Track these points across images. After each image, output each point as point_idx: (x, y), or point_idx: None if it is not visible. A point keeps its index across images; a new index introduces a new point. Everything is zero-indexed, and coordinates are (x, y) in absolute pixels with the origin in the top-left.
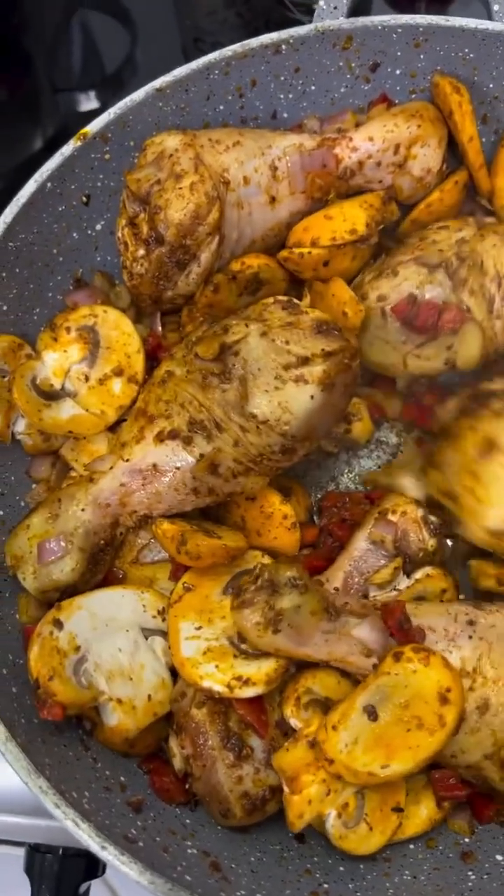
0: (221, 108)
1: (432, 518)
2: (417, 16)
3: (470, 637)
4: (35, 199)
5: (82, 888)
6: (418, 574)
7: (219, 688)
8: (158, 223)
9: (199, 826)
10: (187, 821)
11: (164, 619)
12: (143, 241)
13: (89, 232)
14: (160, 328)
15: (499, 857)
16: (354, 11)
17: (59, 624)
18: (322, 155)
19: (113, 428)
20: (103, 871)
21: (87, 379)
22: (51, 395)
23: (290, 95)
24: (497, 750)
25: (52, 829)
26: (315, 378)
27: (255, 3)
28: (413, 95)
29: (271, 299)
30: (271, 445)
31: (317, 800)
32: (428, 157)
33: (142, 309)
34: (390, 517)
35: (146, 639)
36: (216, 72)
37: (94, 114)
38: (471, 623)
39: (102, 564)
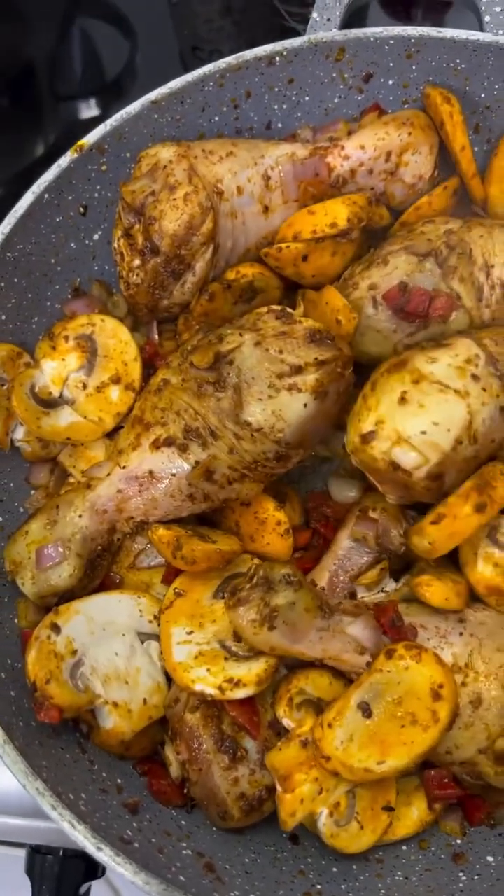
0: (216, 119)
1: (412, 513)
2: (409, 27)
3: (461, 634)
4: (32, 211)
5: (82, 889)
6: (405, 578)
7: (210, 690)
8: (153, 234)
9: (194, 827)
10: (183, 822)
11: (159, 624)
12: (139, 251)
13: (87, 242)
14: (157, 336)
15: (489, 859)
16: (348, 23)
17: (56, 628)
18: (314, 164)
19: (111, 435)
20: (103, 872)
21: (84, 387)
22: (49, 403)
23: (285, 106)
24: (491, 744)
25: (52, 830)
26: (308, 387)
27: (252, 12)
28: (406, 105)
29: (265, 309)
30: (266, 452)
31: (308, 798)
32: (419, 164)
33: (139, 318)
34: (371, 514)
35: (142, 643)
36: (211, 84)
37: (95, 121)
38: (461, 621)
39: (100, 570)
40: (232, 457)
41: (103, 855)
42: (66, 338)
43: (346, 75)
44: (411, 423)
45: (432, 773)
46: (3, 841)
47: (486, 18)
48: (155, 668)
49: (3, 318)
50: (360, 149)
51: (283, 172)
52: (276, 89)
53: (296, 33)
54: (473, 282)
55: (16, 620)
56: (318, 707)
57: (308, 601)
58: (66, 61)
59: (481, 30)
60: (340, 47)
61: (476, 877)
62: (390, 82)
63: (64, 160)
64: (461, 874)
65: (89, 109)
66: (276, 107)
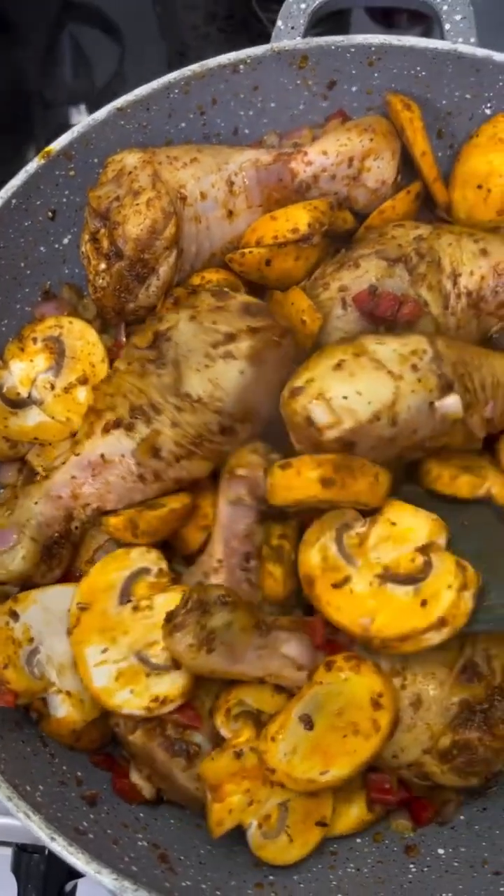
0: (183, 125)
1: (273, 455)
2: (370, 35)
3: None
4: (0, 215)
5: (68, 886)
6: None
7: (139, 712)
8: (117, 238)
9: (152, 819)
10: (141, 815)
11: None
12: (104, 255)
13: (56, 246)
14: (124, 338)
15: (440, 851)
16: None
17: (14, 615)
18: (277, 169)
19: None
20: None
21: (52, 387)
22: (17, 403)
23: (251, 112)
24: (434, 743)
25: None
26: (242, 353)
27: (236, 19)
28: (370, 112)
29: (202, 288)
30: (208, 424)
31: (238, 809)
32: (382, 169)
33: (107, 320)
34: (238, 473)
35: None
36: (176, 91)
37: None
38: None
39: (58, 559)
40: (175, 430)
41: (56, 845)
42: (35, 339)
43: (310, 82)
44: (337, 386)
45: (374, 777)
46: None
47: (447, 27)
48: None
49: None
50: (323, 154)
51: (247, 178)
52: (242, 96)
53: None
54: (441, 290)
55: None
56: (256, 719)
57: (244, 620)
58: (56, 68)
59: (441, 38)
60: (303, 55)
61: (426, 868)
62: (353, 89)
63: (31, 166)
64: (412, 866)
65: (79, 115)
66: (242, 113)
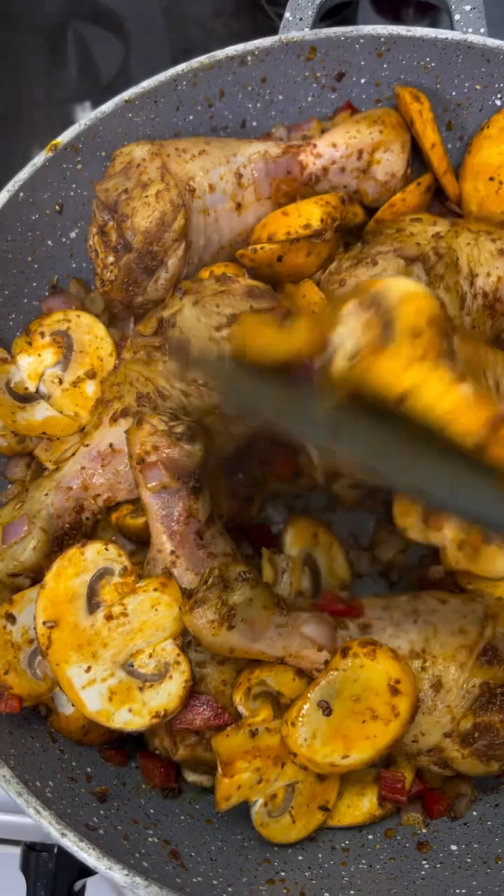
0: (191, 118)
1: (177, 430)
2: (379, 26)
3: (415, 622)
4: (7, 209)
5: (77, 885)
6: None
7: (144, 728)
8: (126, 230)
9: (162, 816)
10: (151, 811)
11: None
12: (113, 248)
13: (63, 240)
14: (132, 332)
15: (453, 848)
16: (341, 21)
17: (11, 618)
18: (286, 162)
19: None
20: None
21: (60, 382)
22: (25, 398)
23: (259, 105)
24: (455, 726)
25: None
26: None
27: (242, 14)
28: (379, 104)
29: (206, 275)
30: (215, 408)
31: (246, 786)
32: (391, 161)
33: (115, 314)
34: (149, 460)
35: None
36: (184, 83)
37: None
38: (414, 610)
39: None
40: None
41: (67, 841)
42: (42, 334)
43: (318, 74)
44: None
45: (387, 774)
46: None
47: (457, 17)
48: None
49: None
50: (332, 147)
51: (256, 170)
52: (250, 88)
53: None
54: (458, 290)
55: None
56: (275, 700)
57: (265, 598)
58: (61, 65)
59: (451, 28)
60: (312, 46)
61: (438, 865)
62: (362, 81)
63: (38, 159)
64: (424, 862)
65: (84, 113)
66: (249, 105)
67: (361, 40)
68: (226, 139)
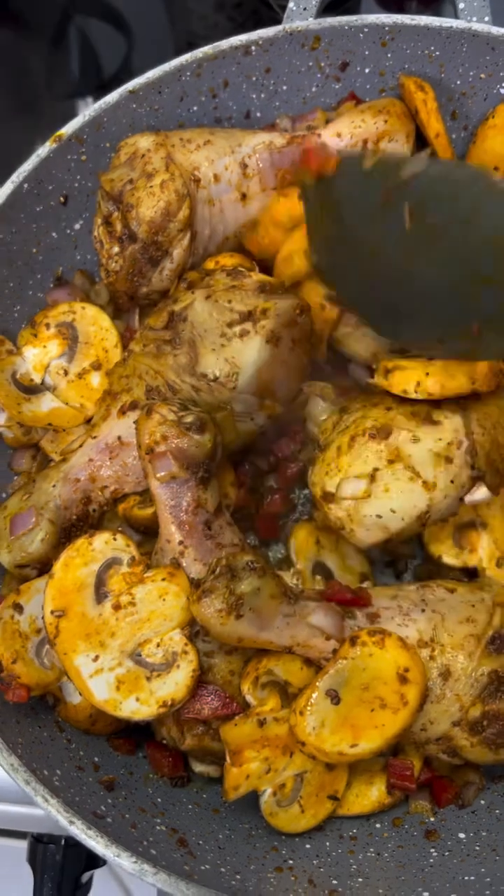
0: (195, 108)
1: (186, 419)
2: (383, 15)
3: (423, 611)
4: (12, 201)
5: (84, 877)
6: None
7: (152, 717)
8: (131, 221)
9: (169, 805)
10: (158, 800)
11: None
12: (118, 238)
13: (68, 231)
14: (137, 324)
15: (461, 836)
16: (344, 12)
17: (19, 608)
18: (291, 152)
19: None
20: (105, 861)
21: (66, 373)
22: (31, 390)
23: (263, 95)
24: (464, 715)
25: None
26: (259, 331)
27: (246, 6)
28: (383, 93)
29: (217, 269)
30: (226, 404)
31: (255, 776)
32: (396, 151)
33: (120, 305)
34: (157, 450)
35: None
36: (188, 73)
37: None
38: (422, 599)
39: None
40: None
41: (75, 829)
42: (48, 325)
43: (322, 64)
44: (371, 506)
45: (394, 762)
46: (6, 831)
47: (461, 6)
48: None
49: None
50: (337, 136)
51: (261, 161)
52: (254, 78)
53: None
54: None
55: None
56: (283, 690)
57: (273, 587)
58: (64, 60)
59: (455, 17)
60: (316, 36)
61: (447, 853)
62: (367, 70)
63: (43, 150)
64: (432, 850)
65: (87, 108)
66: (254, 96)
67: (366, 29)
68: (230, 130)
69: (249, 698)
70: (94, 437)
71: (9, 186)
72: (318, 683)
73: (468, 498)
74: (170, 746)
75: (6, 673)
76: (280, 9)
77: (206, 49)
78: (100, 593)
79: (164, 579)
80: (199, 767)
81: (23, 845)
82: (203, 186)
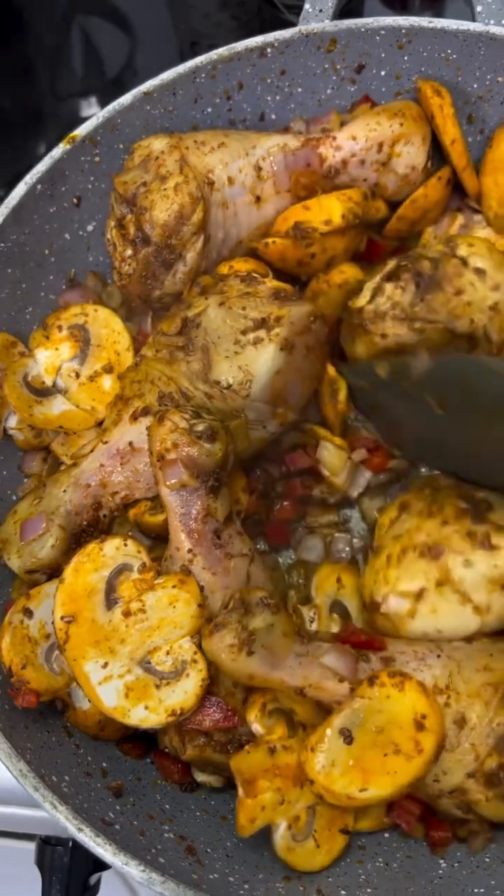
0: (209, 110)
1: (197, 428)
2: (400, 17)
3: (438, 657)
4: (25, 202)
5: (92, 879)
6: None
7: (159, 725)
8: (144, 223)
9: (178, 812)
10: (167, 806)
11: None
12: (131, 241)
13: (81, 233)
14: (150, 327)
15: None
16: (346, 13)
17: (28, 612)
18: (306, 154)
19: (103, 423)
20: None
21: (77, 376)
22: (42, 392)
23: (278, 97)
24: (479, 766)
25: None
26: (273, 338)
27: (250, 5)
28: (399, 97)
29: (231, 274)
30: (238, 411)
31: (270, 807)
32: (412, 154)
33: (132, 308)
34: (168, 458)
35: None
36: (202, 75)
37: None
38: (438, 645)
39: None
40: None
41: (84, 836)
42: (60, 327)
43: (338, 66)
44: (417, 623)
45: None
46: (14, 833)
47: (479, 8)
48: None
49: None
50: (352, 139)
51: (275, 163)
52: (269, 80)
53: (292, 26)
54: None
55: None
56: (289, 718)
57: (286, 625)
58: (67, 60)
59: (473, 20)
60: (332, 38)
61: (456, 864)
62: (382, 73)
63: (56, 152)
64: (441, 861)
65: (90, 108)
66: (268, 98)
67: (382, 32)
68: (245, 132)
69: (257, 727)
70: (106, 443)
71: (22, 187)
72: (332, 721)
73: None
74: (171, 755)
75: (16, 678)
76: (285, 7)
77: (221, 51)
78: (110, 599)
79: (174, 586)
80: (200, 777)
81: (31, 847)
82: (217, 189)
